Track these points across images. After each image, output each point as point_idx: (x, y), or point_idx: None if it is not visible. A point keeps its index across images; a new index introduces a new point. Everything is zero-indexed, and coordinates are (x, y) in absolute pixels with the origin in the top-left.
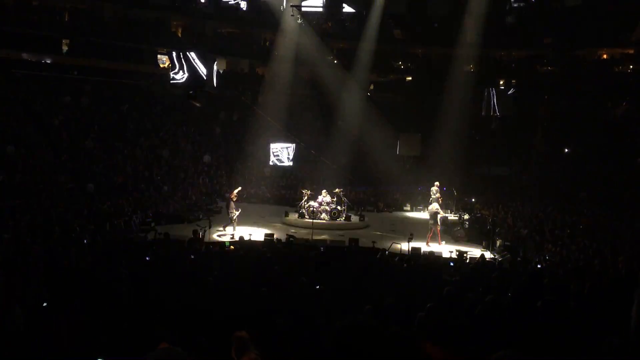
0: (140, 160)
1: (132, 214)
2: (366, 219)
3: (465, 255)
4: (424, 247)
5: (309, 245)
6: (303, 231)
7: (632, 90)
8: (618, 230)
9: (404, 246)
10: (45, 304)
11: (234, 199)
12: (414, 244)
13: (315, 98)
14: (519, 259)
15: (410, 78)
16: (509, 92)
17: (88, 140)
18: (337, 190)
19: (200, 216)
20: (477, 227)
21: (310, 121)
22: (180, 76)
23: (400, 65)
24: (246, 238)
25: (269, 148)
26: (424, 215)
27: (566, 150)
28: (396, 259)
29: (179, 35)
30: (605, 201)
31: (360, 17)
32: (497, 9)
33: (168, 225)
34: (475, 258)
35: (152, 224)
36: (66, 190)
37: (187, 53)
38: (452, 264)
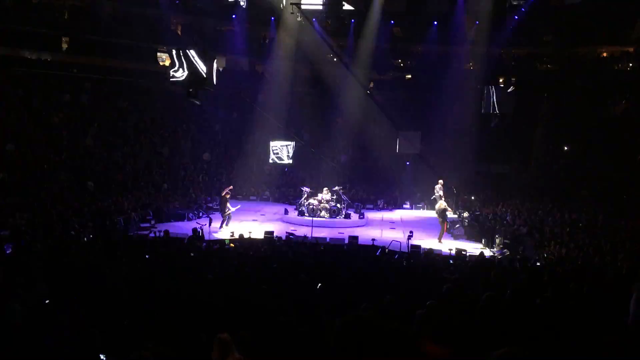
0: (140, 158)
1: (131, 211)
2: (366, 216)
3: (464, 253)
4: (436, 244)
5: (309, 243)
6: (303, 229)
7: (632, 88)
8: (618, 228)
9: (404, 244)
10: (47, 302)
11: (227, 197)
12: (414, 242)
13: (315, 96)
14: (518, 257)
15: (409, 76)
16: (509, 90)
17: (88, 138)
18: (336, 187)
19: (200, 214)
20: (477, 225)
21: (310, 119)
22: (180, 74)
23: (400, 63)
24: (246, 236)
25: (269, 146)
26: (423, 212)
27: (566, 148)
28: (395, 257)
29: (179, 33)
30: (605, 199)
31: (360, 15)
32: (497, 7)
33: (168, 223)
34: (475, 256)
35: (152, 222)
36: (66, 188)
37: (187, 51)
38: (451, 261)
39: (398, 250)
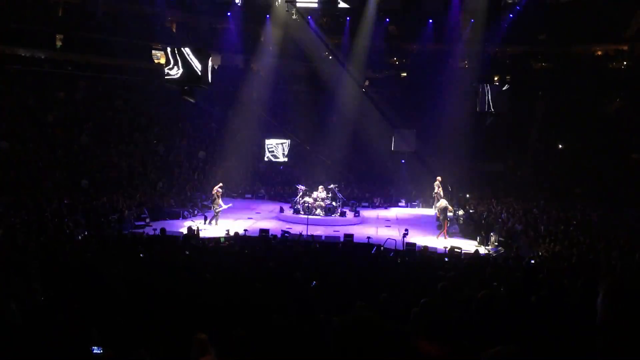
0: (135, 156)
1: (126, 209)
2: (361, 214)
3: (459, 250)
4: (434, 242)
5: (304, 241)
6: (298, 227)
7: (626, 87)
8: (612, 226)
9: (399, 242)
10: (42, 299)
11: (218, 195)
12: (409, 240)
13: (311, 94)
14: (512, 254)
15: (405, 74)
16: (504, 88)
17: (82, 136)
18: (332, 185)
19: (196, 212)
20: (472, 223)
21: (305, 117)
22: (175, 72)
23: (395, 61)
24: (241, 234)
25: (264, 144)
26: (419, 210)
27: (560, 146)
28: (391, 255)
29: (174, 30)
30: (599, 197)
31: (355, 13)
32: (492, 5)
33: (163, 221)
34: (470, 254)
35: (147, 220)
36: (60, 186)
37: (182, 49)
38: (446, 259)
39: (393, 248)
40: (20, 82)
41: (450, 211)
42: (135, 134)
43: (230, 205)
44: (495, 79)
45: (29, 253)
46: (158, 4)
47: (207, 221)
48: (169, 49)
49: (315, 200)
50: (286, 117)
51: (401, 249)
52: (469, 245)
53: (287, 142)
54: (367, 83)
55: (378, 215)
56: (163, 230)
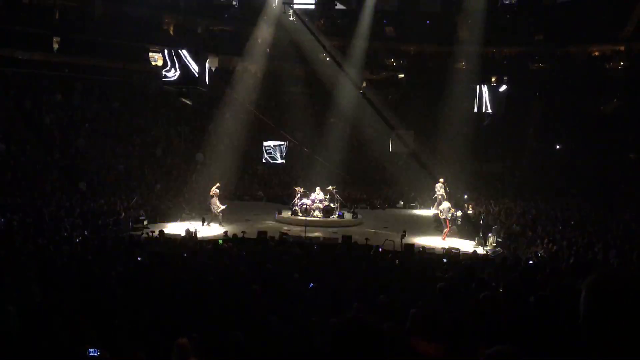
0: (132, 158)
1: (124, 212)
2: (359, 216)
3: (458, 251)
4: (440, 242)
5: (302, 243)
6: (296, 229)
7: (623, 87)
8: (609, 225)
9: (397, 243)
10: (38, 301)
11: (216, 195)
12: (407, 241)
13: (308, 95)
14: (510, 255)
15: (402, 75)
16: (501, 89)
17: (80, 139)
18: (330, 187)
19: (193, 214)
20: (470, 224)
21: (303, 119)
22: (172, 74)
23: (393, 62)
24: (239, 236)
25: (262, 146)
26: (417, 212)
27: (558, 146)
28: (389, 256)
29: (171, 32)
30: (597, 197)
31: (352, 14)
32: (489, 6)
33: (161, 223)
34: (468, 254)
35: (145, 222)
36: (58, 188)
37: (179, 51)
38: (445, 260)
39: (391, 249)
40: (17, 85)
41: (453, 211)
42: (132, 136)
43: (225, 206)
44: (493, 79)
45: (26, 255)
46: (155, 7)
47: (207, 222)
48: (166, 51)
49: (313, 201)
50: (284, 119)
51: (399, 250)
52: (467, 246)
53: (284, 144)
54: (364, 84)
55: (376, 217)
56: (162, 232)
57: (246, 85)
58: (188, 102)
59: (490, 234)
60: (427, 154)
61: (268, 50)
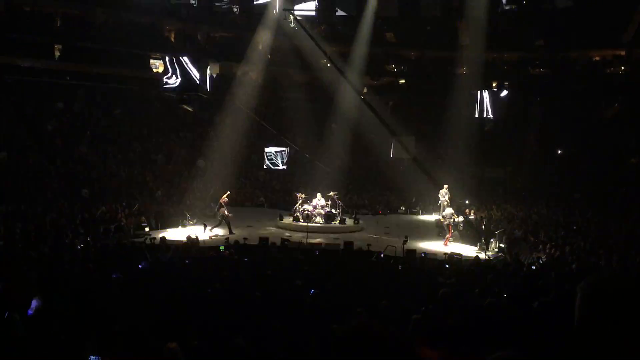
0: (134, 165)
1: (126, 218)
2: (361, 221)
3: (460, 257)
4: (442, 247)
5: (304, 249)
6: (298, 235)
7: (623, 92)
8: (611, 230)
9: (399, 249)
10: (42, 310)
11: (225, 203)
12: (409, 246)
13: (309, 101)
14: (513, 260)
15: (403, 81)
16: (502, 94)
17: (81, 146)
18: (331, 193)
19: (195, 221)
20: (472, 229)
21: (304, 125)
22: (174, 81)
23: (393, 68)
24: (241, 242)
25: (263, 152)
26: (418, 217)
27: (559, 151)
28: (391, 262)
29: (172, 39)
30: (598, 201)
31: (353, 21)
32: (489, 12)
33: (162, 230)
34: (470, 260)
35: (147, 229)
36: (60, 196)
37: (180, 58)
38: (447, 265)
39: (393, 255)
40: (19, 93)
41: (455, 217)
42: (134, 143)
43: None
44: (494, 85)
45: (28, 263)
46: (156, 14)
47: (210, 228)
48: (167, 58)
49: (314, 207)
50: (285, 125)
51: (401, 255)
52: (469, 251)
53: (286, 150)
54: (365, 90)
55: (378, 222)
56: (163, 238)
57: (247, 91)
58: (189, 109)
59: (492, 240)
60: (429, 159)
61: (269, 56)
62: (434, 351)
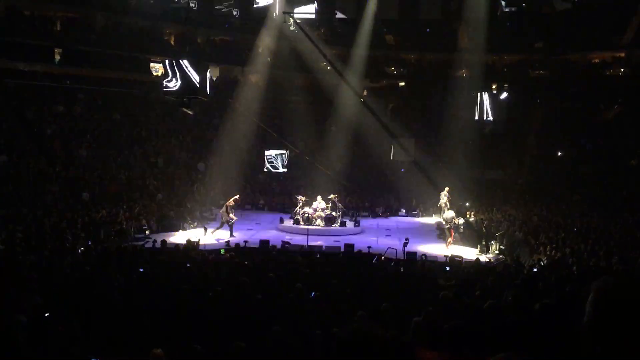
0: (134, 168)
1: (126, 222)
2: (361, 224)
3: (460, 259)
4: (443, 250)
5: (304, 252)
6: (298, 237)
7: (623, 93)
8: (611, 232)
9: (400, 251)
10: (46, 314)
11: (232, 205)
12: (409, 249)
13: (309, 104)
14: (513, 262)
15: (403, 83)
16: (502, 97)
17: (81, 149)
18: (332, 196)
19: (195, 224)
20: (473, 231)
21: (304, 127)
22: (173, 84)
23: (393, 70)
24: (241, 245)
25: (263, 155)
26: (419, 219)
27: (559, 153)
28: (392, 264)
29: (172, 43)
30: (599, 203)
31: (352, 24)
32: (489, 14)
33: (163, 233)
34: (471, 262)
35: (147, 232)
36: (60, 199)
37: (180, 61)
38: (447, 268)
39: (394, 257)
40: (19, 96)
41: (456, 220)
42: (134, 147)
43: (236, 218)
44: (493, 87)
45: (28, 267)
46: (156, 17)
47: (212, 231)
48: (167, 61)
49: (315, 210)
50: (285, 127)
51: (402, 258)
52: (469, 254)
53: (286, 152)
54: (365, 93)
55: (378, 225)
56: (164, 242)
57: (247, 94)
58: (189, 112)
59: (492, 242)
60: (428, 161)
61: (269, 59)
62: (435, 354)
